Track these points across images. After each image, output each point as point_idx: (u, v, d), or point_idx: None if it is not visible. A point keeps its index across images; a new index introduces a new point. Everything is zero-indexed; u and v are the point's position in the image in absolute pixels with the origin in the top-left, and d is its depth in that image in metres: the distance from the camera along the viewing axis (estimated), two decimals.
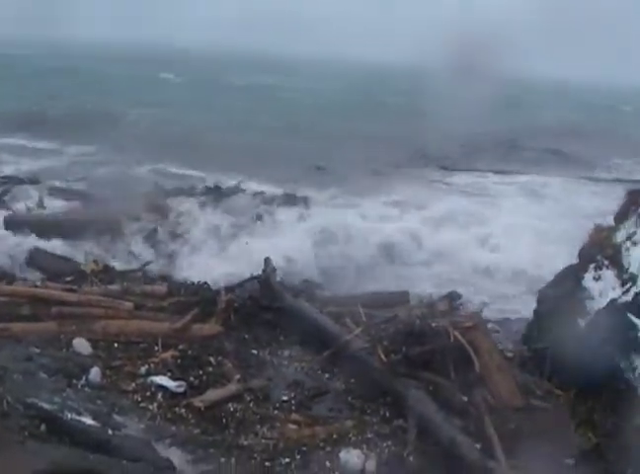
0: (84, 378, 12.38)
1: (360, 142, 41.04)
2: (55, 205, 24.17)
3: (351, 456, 11.11)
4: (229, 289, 16.22)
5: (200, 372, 13.15)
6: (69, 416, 10.24)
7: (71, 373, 12.43)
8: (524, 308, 17.29)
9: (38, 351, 13.11)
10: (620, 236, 14.13)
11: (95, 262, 19.01)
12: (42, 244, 20.16)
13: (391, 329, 14.15)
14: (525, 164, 40.97)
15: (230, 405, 12.27)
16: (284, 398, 12.87)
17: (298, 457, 11.11)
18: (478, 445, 11.12)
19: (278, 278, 17.14)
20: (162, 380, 12.69)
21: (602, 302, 13.13)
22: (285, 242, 21.75)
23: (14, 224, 20.82)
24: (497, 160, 41.93)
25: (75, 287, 15.76)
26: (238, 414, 12.09)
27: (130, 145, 33.02)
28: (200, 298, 15.63)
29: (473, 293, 19.67)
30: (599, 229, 14.89)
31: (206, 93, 63.05)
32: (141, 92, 59.12)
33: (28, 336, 13.72)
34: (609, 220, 15.05)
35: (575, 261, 15.09)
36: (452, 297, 18.23)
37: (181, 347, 13.89)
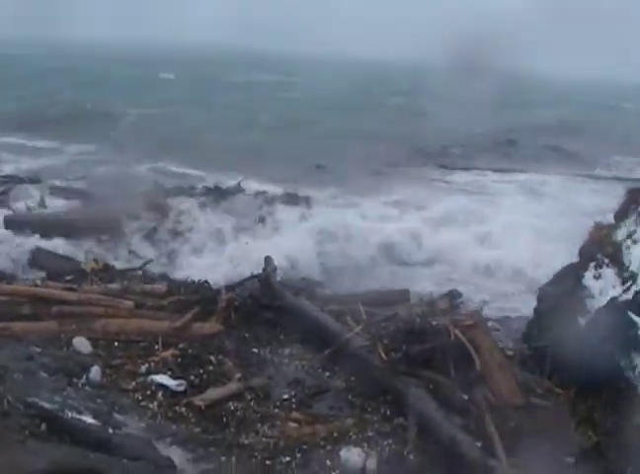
0: (84, 377, 12.38)
1: (360, 141, 41.09)
2: (56, 205, 24.19)
3: (351, 455, 11.10)
4: (230, 288, 16.22)
5: (201, 371, 13.14)
6: (70, 415, 10.23)
7: (71, 372, 12.43)
8: (525, 307, 17.31)
9: (38, 350, 13.10)
10: (621, 234, 14.12)
11: (95, 261, 19.03)
12: (44, 243, 20.22)
13: (391, 327, 14.15)
14: (525, 162, 40.95)
15: (231, 404, 12.26)
16: (285, 396, 12.87)
17: (299, 456, 11.09)
18: (478, 444, 11.13)
19: (278, 278, 17.17)
20: (162, 379, 12.68)
21: (603, 301, 13.12)
22: (287, 242, 21.84)
23: (14, 224, 20.85)
24: (496, 158, 41.95)
25: (75, 286, 15.76)
26: (239, 412, 12.08)
27: (130, 144, 33.10)
28: (201, 297, 15.62)
29: (473, 292, 19.72)
30: (599, 227, 14.89)
31: (206, 92, 63.05)
32: (141, 91, 59.18)
33: (28, 335, 13.72)
34: (609, 218, 15.04)
35: (575, 259, 15.09)
36: (453, 296, 18.26)
37: (181, 345, 13.88)
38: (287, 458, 11.01)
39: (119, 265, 19.62)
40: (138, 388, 12.50)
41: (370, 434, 11.85)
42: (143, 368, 13.11)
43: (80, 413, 10.48)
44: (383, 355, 12.96)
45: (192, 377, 12.91)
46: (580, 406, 12.38)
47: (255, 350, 14.56)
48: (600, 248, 14.18)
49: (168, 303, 15.42)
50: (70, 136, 38.12)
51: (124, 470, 9.05)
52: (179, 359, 13.42)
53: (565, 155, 44.53)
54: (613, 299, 12.79)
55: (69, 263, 19.25)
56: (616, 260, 13.65)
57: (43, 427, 9.67)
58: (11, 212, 22.32)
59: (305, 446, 11.32)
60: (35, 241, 20.18)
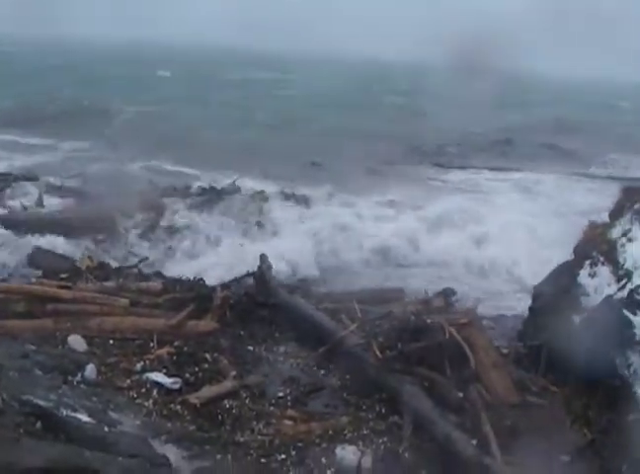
0: (79, 375, 12.36)
1: (357, 139, 41.16)
2: (52, 203, 24.18)
3: (346, 452, 11.11)
4: (225, 286, 16.21)
5: (196, 369, 13.12)
6: (65, 413, 10.22)
7: (67, 370, 12.41)
8: (520, 305, 17.35)
9: (33, 348, 13.08)
10: (616, 233, 14.16)
11: (90, 258, 19.00)
12: (42, 242, 20.22)
13: (386, 325, 14.21)
14: (521, 161, 41.03)
15: (226, 401, 12.25)
16: (280, 394, 12.87)
17: (294, 453, 11.10)
18: (474, 442, 11.13)
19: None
20: (158, 377, 12.67)
21: (598, 299, 13.15)
22: (284, 245, 21.81)
23: (10, 223, 20.84)
24: (492, 157, 42.04)
25: (70, 284, 15.74)
26: (234, 410, 12.07)
27: (124, 142, 33.09)
28: (196, 295, 15.59)
29: (468, 290, 19.70)
30: (593, 226, 14.94)
31: (202, 90, 63.08)
32: (137, 89, 59.15)
33: (23, 333, 13.71)
34: (604, 217, 15.07)
35: (570, 257, 15.12)
36: (447, 294, 18.23)
37: (176, 343, 13.87)
38: (283, 456, 11.01)
39: (114, 263, 19.61)
40: (133, 386, 12.49)
41: (366, 431, 11.86)
42: (138, 366, 13.10)
43: (75, 411, 10.48)
44: (378, 352, 12.97)
45: (187, 375, 12.90)
46: (575, 404, 12.39)
47: (250, 347, 14.55)
48: (595, 246, 14.22)
49: (163, 301, 15.40)
50: (65, 133, 38.17)
51: (120, 468, 9.04)
52: (174, 357, 13.40)
53: (561, 154, 44.61)
54: (608, 297, 12.81)
55: (65, 261, 19.22)
56: (611, 258, 13.68)
57: (39, 425, 9.65)
58: (7, 211, 22.29)
59: (300, 444, 11.32)
60: (33, 240, 20.18)
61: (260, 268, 16.81)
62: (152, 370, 12.92)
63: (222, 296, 15.39)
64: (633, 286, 12.47)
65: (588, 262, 14.07)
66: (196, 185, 26.73)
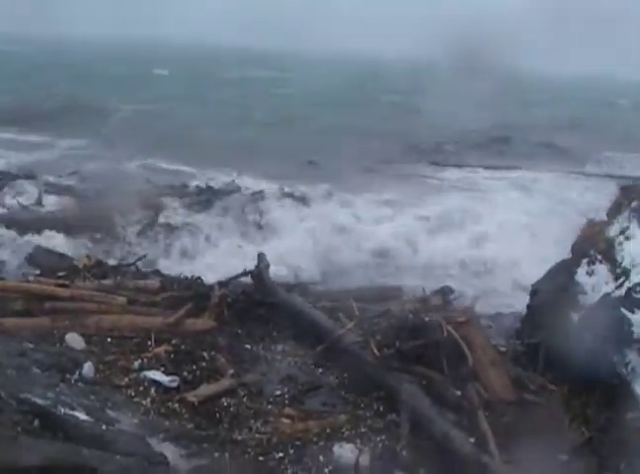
0: (77, 373, 12.34)
1: (354, 137, 41.14)
2: (50, 202, 24.16)
3: (344, 451, 11.10)
4: (222, 284, 16.20)
5: (194, 367, 13.12)
6: (63, 411, 10.21)
7: (64, 368, 12.39)
8: (517, 303, 17.34)
9: (31, 346, 13.07)
10: (613, 231, 14.18)
11: (87, 257, 18.97)
12: (42, 241, 20.23)
13: (384, 323, 14.21)
14: (519, 159, 41.00)
15: (224, 400, 12.25)
16: (278, 393, 12.87)
17: (292, 452, 11.09)
18: (471, 440, 11.13)
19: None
20: (155, 375, 12.67)
21: (596, 297, 13.17)
22: (283, 247, 21.77)
23: (10, 222, 20.89)
24: (490, 155, 41.98)
25: (68, 283, 15.72)
26: (232, 409, 12.07)
27: (121, 140, 33.04)
28: (194, 293, 15.60)
29: (466, 288, 19.71)
30: (591, 224, 14.95)
31: (199, 88, 63.13)
32: (134, 87, 59.14)
33: (21, 331, 13.70)
34: (602, 215, 15.09)
35: (568, 256, 15.12)
36: (445, 292, 18.26)
37: (174, 341, 13.86)
38: (280, 454, 11.01)
39: (112, 261, 19.59)
40: (131, 384, 12.48)
41: (363, 430, 11.85)
42: (136, 364, 13.09)
43: (73, 409, 10.47)
44: (376, 351, 12.97)
45: (185, 373, 12.89)
46: (573, 402, 12.39)
47: (248, 346, 14.56)
48: (593, 244, 14.23)
49: (161, 299, 15.41)
50: (61, 131, 38.17)
51: (117, 466, 9.03)
52: (172, 356, 13.39)
53: (559, 152, 44.57)
54: (606, 295, 12.84)
55: (62, 259, 19.21)
56: (609, 256, 13.70)
57: (36, 423, 9.64)
58: (6, 210, 22.30)
59: (298, 442, 11.31)
60: (33, 239, 20.19)
61: (257, 266, 16.79)
62: (150, 369, 12.91)
63: (220, 295, 15.39)
64: (631, 284, 12.49)
65: (585, 260, 14.09)
66: (193, 183, 26.74)
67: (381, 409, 12.43)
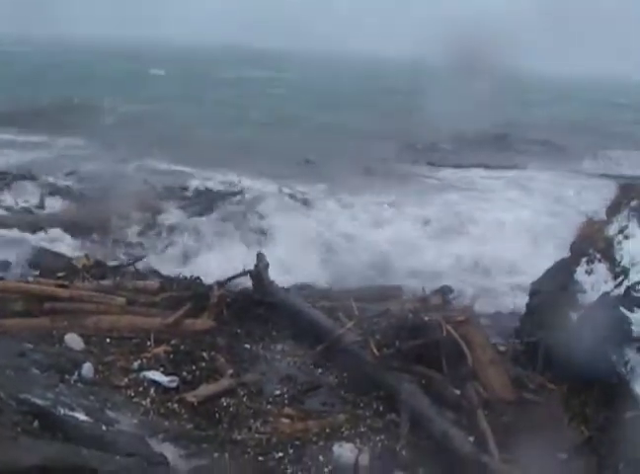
0: (76, 374, 12.33)
1: (352, 137, 41.22)
2: (50, 203, 24.21)
3: (344, 450, 11.11)
4: (221, 284, 16.19)
5: (193, 367, 13.11)
6: (62, 411, 10.21)
7: (64, 369, 12.38)
8: (517, 302, 17.36)
9: (30, 346, 13.04)
10: (613, 229, 14.19)
11: (86, 257, 18.97)
12: (43, 242, 20.25)
13: (384, 323, 14.21)
14: (517, 158, 41.06)
15: (223, 400, 12.25)
16: (277, 392, 12.86)
17: (291, 451, 11.09)
18: (471, 439, 11.13)
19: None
20: (155, 375, 12.67)
21: (595, 296, 13.18)
22: (282, 251, 21.73)
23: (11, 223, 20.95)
24: (489, 155, 41.92)
25: (67, 283, 15.71)
26: (231, 409, 12.07)
27: (117, 140, 33.05)
28: (193, 293, 15.58)
29: (465, 288, 19.72)
30: (590, 223, 14.97)
31: (196, 88, 63.08)
32: (130, 87, 59.11)
33: (20, 332, 13.69)
34: (601, 214, 15.11)
35: (567, 255, 15.14)
36: (445, 291, 18.27)
37: (173, 342, 13.85)
38: (280, 454, 11.00)
39: (111, 262, 19.59)
40: (131, 385, 12.47)
41: (363, 429, 11.85)
42: (135, 365, 13.08)
43: (73, 409, 10.46)
44: (375, 350, 12.97)
45: (184, 374, 12.88)
46: (572, 401, 12.39)
47: (247, 346, 14.55)
48: (592, 243, 14.24)
49: (160, 300, 15.39)
50: (58, 131, 38.16)
51: (117, 466, 9.02)
52: (171, 356, 13.39)
53: (556, 150, 44.63)
54: (605, 294, 12.85)
55: (61, 260, 19.21)
56: (608, 255, 13.71)
57: (36, 423, 9.64)
58: (7, 212, 22.37)
59: (298, 442, 11.31)
60: (34, 240, 20.21)
61: (257, 266, 16.78)
62: (149, 369, 12.91)
63: (219, 295, 15.38)
64: (630, 283, 12.50)
65: (585, 259, 14.11)
66: (191, 183, 26.76)
67: (381, 408, 12.43)
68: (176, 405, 11.94)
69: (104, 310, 14.65)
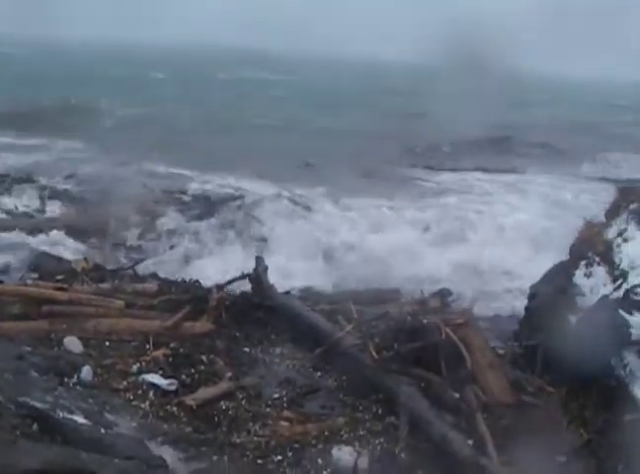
0: (75, 377, 12.32)
1: (352, 140, 41.20)
2: (50, 207, 24.23)
3: (343, 453, 11.10)
4: (220, 287, 16.18)
5: (192, 370, 13.11)
6: (61, 415, 10.20)
7: (63, 372, 12.37)
8: (516, 305, 17.36)
9: (29, 349, 13.03)
10: (612, 233, 14.19)
11: (85, 260, 18.98)
12: (39, 244, 20.26)
13: (382, 326, 14.20)
14: (516, 161, 41.05)
15: (222, 403, 12.23)
16: (276, 396, 12.84)
17: (290, 455, 11.08)
18: (470, 442, 11.14)
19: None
20: (154, 378, 12.66)
21: (594, 299, 13.18)
22: (283, 259, 21.71)
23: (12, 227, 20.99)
24: (488, 158, 41.91)
25: (66, 286, 15.70)
26: (230, 412, 12.06)
27: (117, 143, 33.04)
28: (192, 296, 15.57)
29: (464, 291, 19.72)
30: (589, 226, 14.96)
31: (195, 91, 63.00)
32: (130, 90, 59.04)
33: (19, 335, 13.67)
34: (600, 217, 15.11)
35: (566, 258, 15.13)
36: (444, 294, 18.24)
37: (172, 345, 13.85)
38: (279, 457, 11.00)
39: (110, 265, 19.60)
40: (130, 388, 12.46)
41: (362, 432, 11.84)
42: (134, 368, 13.07)
43: (71, 412, 10.44)
44: (374, 353, 12.96)
45: (183, 377, 12.88)
46: (571, 404, 12.40)
47: (246, 349, 14.52)
48: (591, 246, 14.24)
49: (159, 303, 15.38)
50: (58, 133, 38.14)
51: (116, 470, 9.02)
52: (170, 359, 13.39)
53: (556, 154, 44.61)
54: (604, 297, 12.85)
55: (60, 263, 19.22)
56: (607, 258, 13.71)
57: (35, 427, 9.63)
58: (8, 216, 22.41)
59: (297, 445, 11.30)
60: (32, 243, 20.23)
61: (255, 269, 16.77)
62: (148, 372, 12.90)
63: (218, 298, 15.37)
64: (629, 286, 12.50)
65: (584, 262, 14.10)
66: (191, 187, 26.75)
67: (380, 411, 12.42)
68: (175, 408, 11.92)
69: (103, 313, 14.64)
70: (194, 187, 27.46)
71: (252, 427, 11.73)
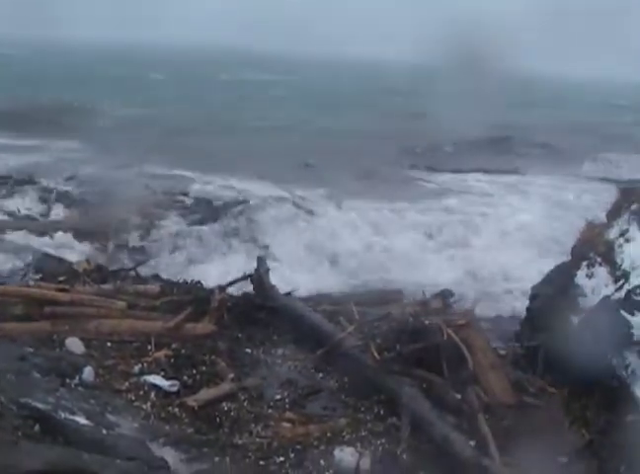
0: (77, 378, 12.33)
1: (352, 140, 41.20)
2: (51, 208, 24.27)
3: (345, 454, 11.11)
4: (222, 288, 16.18)
5: (194, 371, 13.12)
6: (63, 415, 10.20)
7: (64, 373, 12.38)
8: (517, 306, 17.36)
9: (31, 350, 13.03)
10: (613, 233, 14.18)
11: (87, 261, 18.99)
12: (41, 246, 20.29)
13: (384, 327, 14.18)
14: (517, 162, 41.04)
15: (224, 404, 12.24)
16: (278, 397, 12.85)
17: (292, 456, 11.09)
18: (472, 443, 11.14)
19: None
20: (155, 379, 12.67)
21: (595, 299, 13.17)
22: (284, 261, 21.68)
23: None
24: (488, 159, 41.89)
25: (68, 287, 15.70)
26: (232, 413, 12.06)
27: (116, 144, 33.02)
28: (194, 297, 15.57)
29: (466, 292, 19.70)
30: (591, 227, 14.95)
31: (194, 92, 63.03)
32: (129, 91, 59.07)
33: (21, 335, 13.68)
34: (601, 218, 15.10)
35: (567, 258, 15.13)
36: (445, 295, 18.24)
37: (174, 346, 13.86)
38: (281, 458, 11.00)
39: (112, 266, 19.61)
40: (131, 389, 12.47)
41: (364, 433, 11.84)
42: (136, 369, 13.09)
43: (73, 413, 10.45)
44: (376, 354, 12.96)
45: (185, 378, 12.89)
46: (573, 405, 12.40)
47: (248, 350, 14.52)
48: (593, 247, 14.23)
49: (161, 304, 15.37)
50: (57, 134, 38.15)
51: (118, 471, 9.02)
52: (172, 360, 13.40)
53: (557, 154, 44.61)
54: (606, 298, 12.84)
55: (62, 264, 19.23)
56: (609, 259, 13.70)
57: (37, 427, 9.64)
58: (11, 219, 22.45)
59: (299, 446, 11.31)
60: (34, 244, 20.25)
61: (257, 270, 16.77)
62: (150, 373, 12.92)
63: (220, 299, 15.37)
64: (631, 287, 12.50)
65: (585, 262, 14.09)
66: (193, 188, 26.75)
67: (382, 412, 12.42)
68: (177, 409, 11.93)
69: (104, 314, 14.64)
70: (195, 188, 27.47)
71: (254, 428, 11.73)
